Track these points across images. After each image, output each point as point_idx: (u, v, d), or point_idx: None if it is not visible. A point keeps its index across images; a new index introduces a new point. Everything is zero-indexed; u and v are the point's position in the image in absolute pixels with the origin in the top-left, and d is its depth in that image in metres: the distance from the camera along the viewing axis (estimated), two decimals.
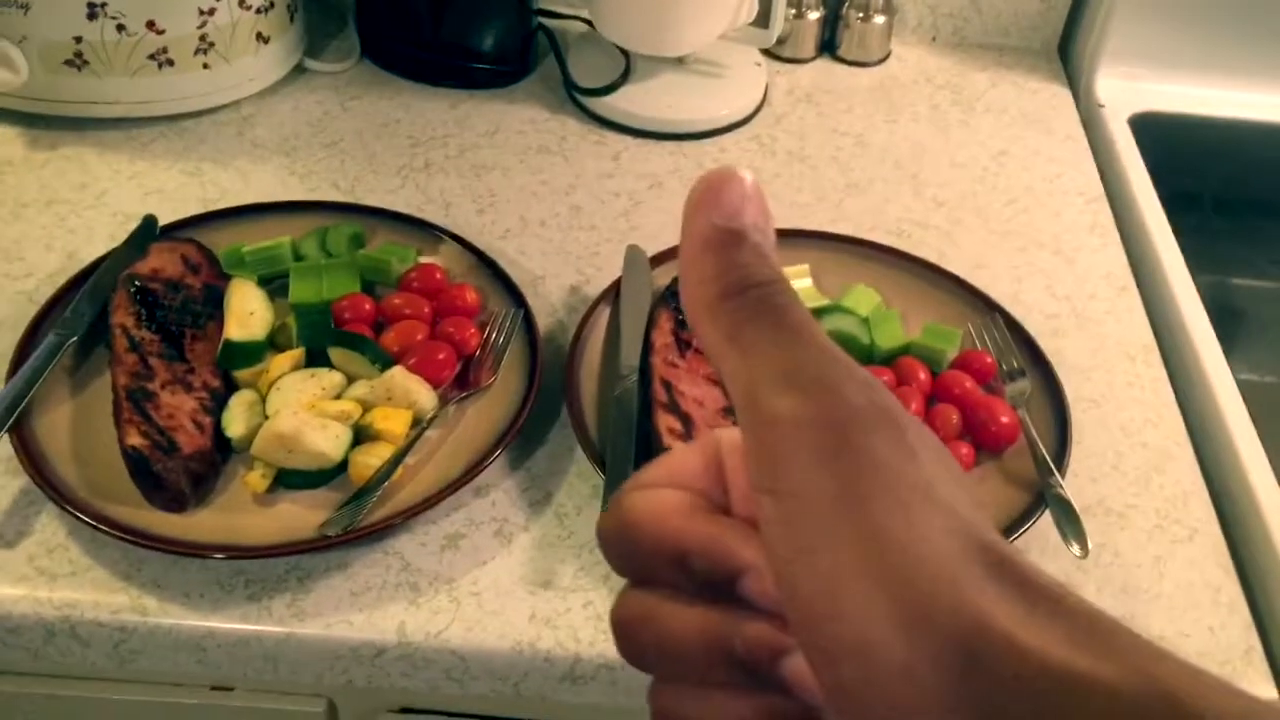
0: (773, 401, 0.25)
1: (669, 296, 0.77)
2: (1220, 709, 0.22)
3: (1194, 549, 0.69)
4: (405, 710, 0.70)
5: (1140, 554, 0.69)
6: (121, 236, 0.79)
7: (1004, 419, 0.71)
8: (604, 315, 0.77)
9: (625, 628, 0.30)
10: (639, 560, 0.29)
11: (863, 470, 0.24)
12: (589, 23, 1.04)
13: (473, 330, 0.74)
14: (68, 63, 0.88)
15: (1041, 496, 0.67)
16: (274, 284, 0.77)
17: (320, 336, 0.72)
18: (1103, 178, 1.00)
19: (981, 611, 0.23)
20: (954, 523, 0.24)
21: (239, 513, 0.65)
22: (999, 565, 0.24)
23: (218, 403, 0.68)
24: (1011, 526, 0.66)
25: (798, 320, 0.27)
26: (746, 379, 0.26)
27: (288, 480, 0.66)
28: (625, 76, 1.00)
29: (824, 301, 0.79)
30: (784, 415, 0.25)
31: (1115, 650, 0.23)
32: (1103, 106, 1.07)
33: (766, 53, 1.09)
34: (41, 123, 0.92)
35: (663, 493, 0.30)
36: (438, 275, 0.77)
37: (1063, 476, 0.68)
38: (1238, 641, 0.65)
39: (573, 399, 0.71)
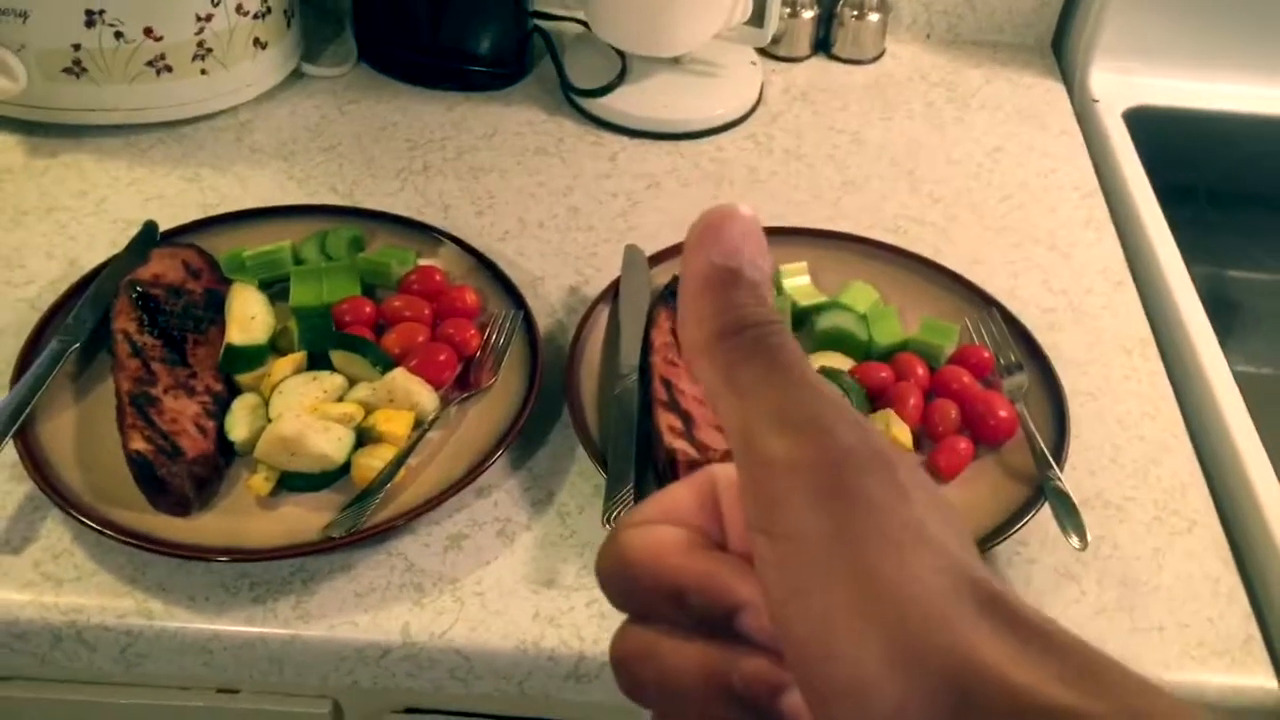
0: (767, 442, 0.26)
1: (668, 296, 0.77)
2: None
3: (1192, 540, 0.70)
4: (410, 710, 0.70)
5: (1139, 546, 0.69)
6: (122, 243, 0.80)
7: (1002, 413, 0.71)
8: (603, 315, 0.78)
9: (625, 663, 0.30)
10: (637, 597, 0.30)
11: (856, 511, 0.25)
12: (585, 24, 1.05)
13: (473, 332, 0.74)
14: (66, 70, 0.89)
15: (1040, 490, 0.68)
16: (274, 288, 0.77)
17: (321, 340, 0.72)
18: (1097, 172, 1.00)
19: (974, 650, 0.23)
20: (946, 561, 0.25)
21: (243, 516, 0.65)
22: (990, 603, 0.24)
23: (220, 407, 0.69)
24: (1011, 520, 0.66)
25: (791, 361, 0.27)
26: (741, 419, 0.26)
27: (291, 483, 0.66)
28: (621, 77, 1.00)
29: (822, 298, 0.80)
30: (778, 456, 0.25)
31: (1106, 687, 0.23)
32: (1097, 101, 1.08)
33: (762, 52, 1.09)
34: (40, 130, 0.93)
35: (659, 529, 0.30)
36: (437, 277, 0.78)
37: (1061, 469, 0.68)
38: (1237, 632, 0.65)
39: (573, 399, 0.71)
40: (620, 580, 0.30)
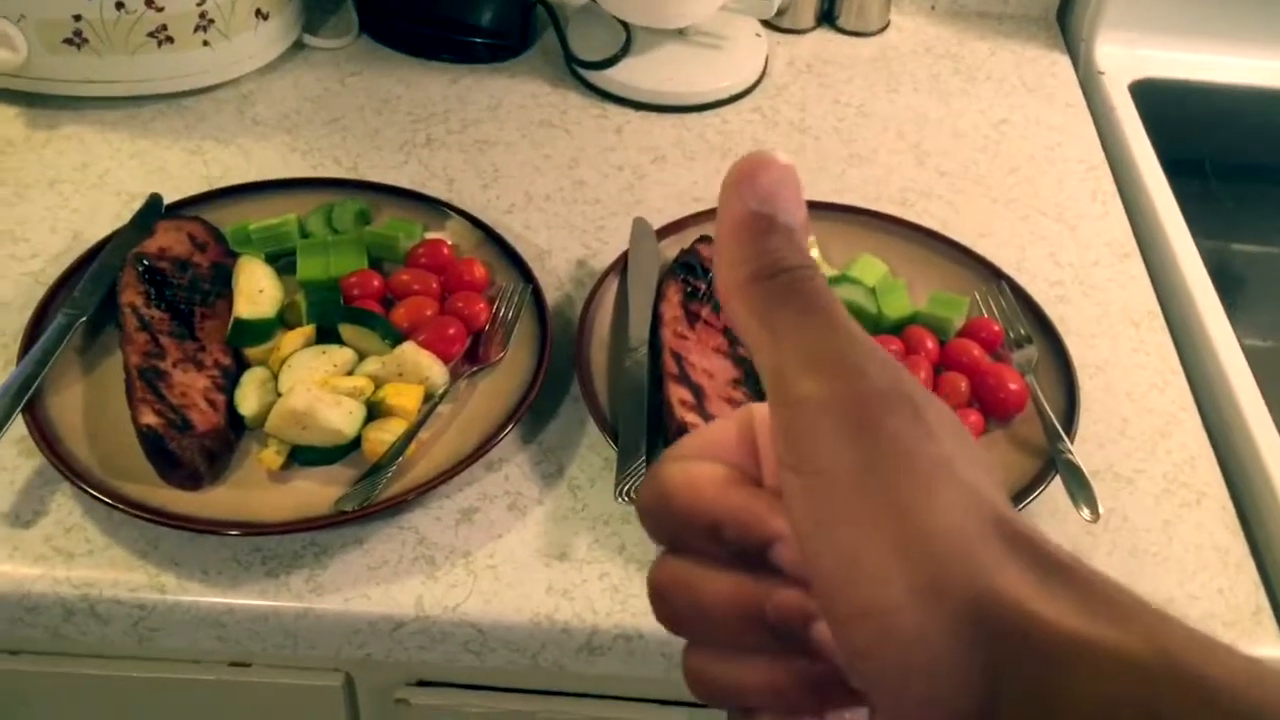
0: (799, 383, 0.26)
1: (677, 269, 0.77)
2: (1228, 673, 0.23)
3: (1202, 512, 0.70)
4: (422, 683, 0.70)
5: (1149, 518, 0.69)
6: (125, 216, 0.79)
7: (1012, 386, 0.71)
8: (612, 288, 0.78)
9: (661, 592, 0.30)
10: (675, 529, 0.30)
11: (883, 448, 0.25)
12: None
13: (482, 305, 0.74)
14: (67, 41, 0.88)
15: (1051, 462, 0.68)
16: (281, 261, 0.77)
17: (330, 313, 0.72)
18: (1103, 145, 1.00)
19: (994, 581, 0.24)
20: (970, 498, 0.25)
21: (254, 489, 0.65)
22: (1013, 538, 0.25)
23: (230, 380, 0.68)
24: (1023, 492, 0.66)
25: (824, 304, 0.27)
26: (774, 360, 0.27)
27: (302, 457, 0.66)
28: (626, 49, 1.00)
29: (831, 272, 0.79)
30: (809, 396, 0.26)
31: (1125, 617, 0.24)
32: (1102, 73, 1.07)
33: (766, 23, 1.09)
34: (41, 102, 0.92)
35: (698, 464, 0.31)
36: (445, 251, 0.77)
37: (1071, 442, 0.68)
38: (1246, 602, 0.65)
39: (583, 372, 0.71)
40: (660, 512, 0.30)
